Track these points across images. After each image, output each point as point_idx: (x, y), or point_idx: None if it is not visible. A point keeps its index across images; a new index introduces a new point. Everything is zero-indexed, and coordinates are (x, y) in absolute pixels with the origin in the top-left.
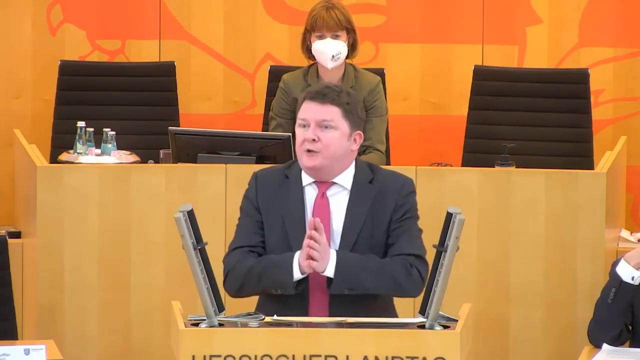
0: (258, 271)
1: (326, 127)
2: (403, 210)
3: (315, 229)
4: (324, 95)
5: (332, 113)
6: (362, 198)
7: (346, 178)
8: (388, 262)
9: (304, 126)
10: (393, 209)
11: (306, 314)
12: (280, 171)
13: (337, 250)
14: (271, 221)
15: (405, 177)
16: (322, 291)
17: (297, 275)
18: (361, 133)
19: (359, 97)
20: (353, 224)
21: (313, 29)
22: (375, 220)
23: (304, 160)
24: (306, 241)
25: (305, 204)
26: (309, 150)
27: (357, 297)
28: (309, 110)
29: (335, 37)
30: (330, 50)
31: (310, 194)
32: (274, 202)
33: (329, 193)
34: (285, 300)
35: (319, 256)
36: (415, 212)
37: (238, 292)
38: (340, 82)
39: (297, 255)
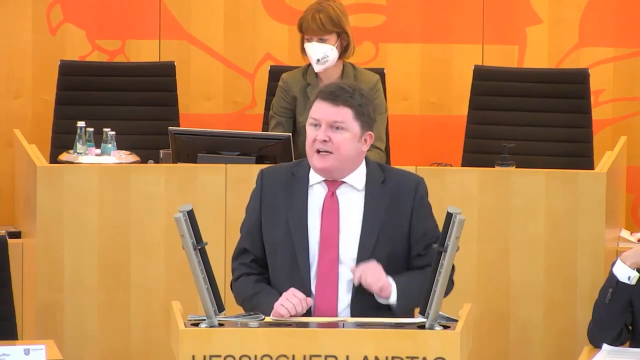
0: (249, 306)
1: (337, 128)
2: (424, 214)
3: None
4: (336, 96)
5: (344, 114)
6: (377, 199)
7: (357, 178)
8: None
9: (315, 125)
10: (411, 210)
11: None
12: (288, 169)
13: (394, 280)
14: (276, 221)
15: (417, 177)
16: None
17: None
18: (372, 134)
19: None
20: (372, 225)
21: (302, 31)
22: (394, 222)
23: (314, 160)
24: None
25: (310, 203)
26: (319, 151)
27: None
28: (320, 110)
29: (322, 40)
30: (315, 54)
31: (319, 192)
32: (279, 201)
33: (338, 192)
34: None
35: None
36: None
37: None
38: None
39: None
